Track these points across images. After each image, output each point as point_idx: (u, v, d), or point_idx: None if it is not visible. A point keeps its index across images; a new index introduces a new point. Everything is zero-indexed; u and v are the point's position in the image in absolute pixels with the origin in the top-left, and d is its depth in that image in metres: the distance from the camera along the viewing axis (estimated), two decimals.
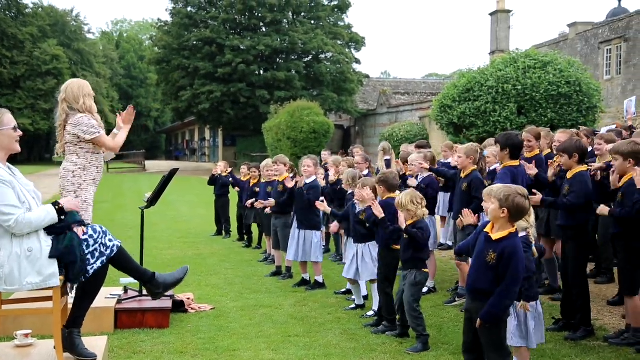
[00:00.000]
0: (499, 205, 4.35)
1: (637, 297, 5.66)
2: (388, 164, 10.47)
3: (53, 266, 4.49)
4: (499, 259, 4.30)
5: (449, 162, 9.91)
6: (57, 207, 4.60)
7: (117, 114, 6.60)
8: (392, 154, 10.81)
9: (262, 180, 10.63)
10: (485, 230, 4.47)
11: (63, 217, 4.63)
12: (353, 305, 7.16)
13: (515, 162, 6.55)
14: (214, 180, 13.22)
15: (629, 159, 5.61)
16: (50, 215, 4.54)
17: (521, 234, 4.65)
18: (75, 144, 6.20)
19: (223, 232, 13.18)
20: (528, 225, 4.85)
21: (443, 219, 10.45)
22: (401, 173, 8.94)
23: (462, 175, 7.40)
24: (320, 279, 8.23)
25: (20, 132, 4.72)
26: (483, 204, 4.65)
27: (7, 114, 4.68)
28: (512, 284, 4.27)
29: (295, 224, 8.44)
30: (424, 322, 5.79)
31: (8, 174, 4.52)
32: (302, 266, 8.41)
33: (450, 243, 10.31)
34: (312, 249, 8.17)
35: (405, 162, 9.16)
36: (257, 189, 10.92)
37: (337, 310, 7.05)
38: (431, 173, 8.26)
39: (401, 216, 5.88)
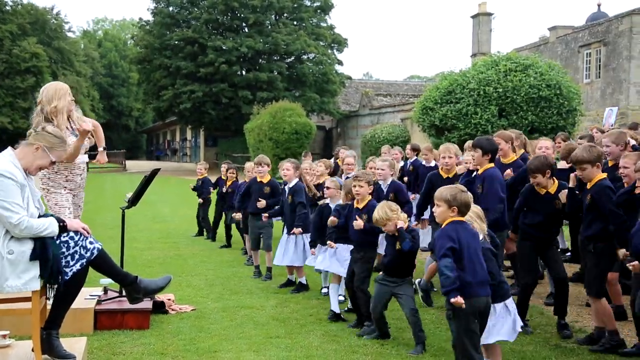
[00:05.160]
0: (447, 206, 4.63)
1: (604, 299, 5.71)
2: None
3: (33, 270, 4.48)
4: None
5: (432, 166, 9.94)
6: (60, 224, 4.63)
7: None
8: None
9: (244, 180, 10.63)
10: None
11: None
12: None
13: (492, 165, 6.70)
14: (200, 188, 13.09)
15: (597, 163, 5.66)
16: (51, 228, 4.57)
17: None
18: None
19: (205, 233, 13.04)
20: (484, 231, 4.95)
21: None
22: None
23: (450, 175, 7.49)
24: (303, 280, 8.20)
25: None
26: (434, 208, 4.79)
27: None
28: None
29: (285, 229, 8.35)
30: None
31: (23, 177, 4.58)
32: (288, 268, 8.38)
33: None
34: (302, 252, 8.11)
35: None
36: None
37: (319, 312, 7.03)
38: (394, 179, 7.97)
39: (392, 224, 5.87)
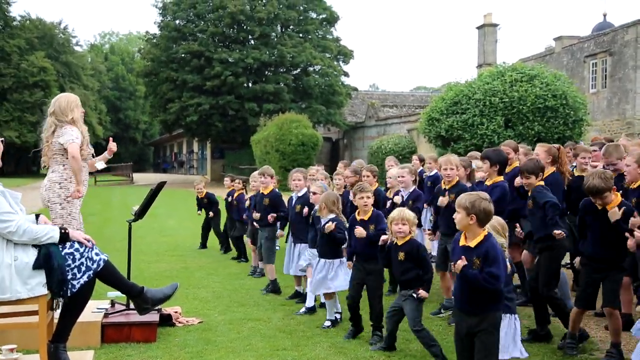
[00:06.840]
0: (466, 213, 4.46)
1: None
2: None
3: (39, 276, 4.52)
4: (484, 260, 4.37)
5: (433, 175, 9.93)
6: (62, 231, 4.66)
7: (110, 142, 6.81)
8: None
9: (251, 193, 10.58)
10: (460, 244, 4.53)
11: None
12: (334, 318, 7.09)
13: (501, 178, 6.82)
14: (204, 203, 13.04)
15: (613, 187, 5.66)
16: (52, 233, 4.60)
17: None
18: (62, 154, 6.27)
19: (221, 247, 12.88)
20: (504, 241, 4.88)
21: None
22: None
23: (448, 187, 7.42)
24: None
25: (1, 147, 4.81)
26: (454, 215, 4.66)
27: None
28: (497, 270, 4.35)
29: (290, 238, 8.34)
30: (429, 334, 5.76)
31: None
32: (296, 279, 8.36)
33: None
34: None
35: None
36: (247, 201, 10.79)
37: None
38: (415, 187, 8.09)
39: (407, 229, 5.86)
